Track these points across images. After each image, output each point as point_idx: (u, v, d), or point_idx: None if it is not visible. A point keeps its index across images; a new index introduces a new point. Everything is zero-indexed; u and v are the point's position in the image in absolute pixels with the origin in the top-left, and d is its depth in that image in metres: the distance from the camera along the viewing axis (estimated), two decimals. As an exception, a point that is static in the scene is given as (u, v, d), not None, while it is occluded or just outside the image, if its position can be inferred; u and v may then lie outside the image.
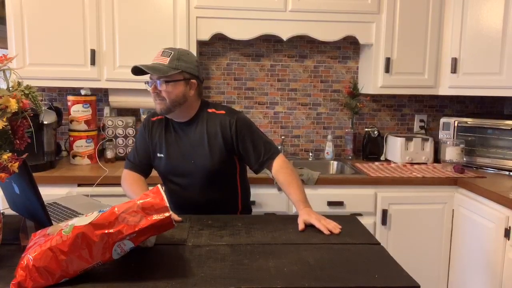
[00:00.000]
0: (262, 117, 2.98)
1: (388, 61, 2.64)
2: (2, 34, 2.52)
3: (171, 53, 1.65)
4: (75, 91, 2.64)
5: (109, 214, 1.09)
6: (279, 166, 1.74)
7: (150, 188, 1.23)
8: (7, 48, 2.46)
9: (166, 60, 1.64)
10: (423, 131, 3.00)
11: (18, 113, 1.16)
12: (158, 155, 1.80)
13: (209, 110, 1.78)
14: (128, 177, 1.85)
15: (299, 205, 1.62)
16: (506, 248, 2.06)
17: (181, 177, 1.78)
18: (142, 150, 1.85)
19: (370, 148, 2.89)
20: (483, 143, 2.64)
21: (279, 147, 2.54)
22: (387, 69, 2.64)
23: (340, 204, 2.40)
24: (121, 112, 2.86)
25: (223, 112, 1.77)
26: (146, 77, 1.68)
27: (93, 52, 2.48)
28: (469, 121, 2.67)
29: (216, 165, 1.73)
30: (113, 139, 2.70)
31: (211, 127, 1.75)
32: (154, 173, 1.89)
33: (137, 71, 1.63)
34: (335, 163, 2.90)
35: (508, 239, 2.05)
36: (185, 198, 1.77)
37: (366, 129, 2.91)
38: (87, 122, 2.57)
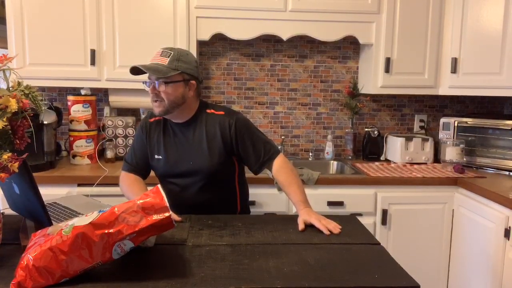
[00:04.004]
0: (262, 117, 2.98)
1: (388, 61, 2.64)
2: (2, 34, 2.52)
3: (171, 53, 1.64)
4: (75, 91, 2.64)
5: (109, 214, 1.09)
6: (279, 166, 1.74)
7: (149, 188, 1.23)
8: (7, 48, 2.46)
9: (165, 61, 1.62)
10: (423, 131, 3.00)
11: (18, 113, 1.16)
12: (156, 156, 1.79)
13: (208, 111, 1.77)
14: (126, 178, 1.83)
15: (299, 205, 1.62)
16: (506, 248, 2.06)
17: (180, 178, 1.77)
18: (140, 152, 1.84)
19: (370, 148, 2.89)
20: (483, 143, 2.64)
21: (279, 147, 2.54)
22: (387, 69, 2.64)
23: (340, 204, 2.40)
24: (121, 112, 2.86)
25: (222, 112, 1.76)
26: (145, 77, 1.67)
27: (93, 52, 2.48)
28: (469, 121, 2.67)
29: (215, 166, 1.73)
30: (113, 139, 2.70)
31: (210, 127, 1.74)
32: (153, 173, 1.89)
33: (136, 70, 1.62)
34: (335, 163, 2.90)
35: (508, 239, 2.05)
36: (183, 199, 1.76)
37: (366, 129, 2.91)
38: (87, 122, 2.56)
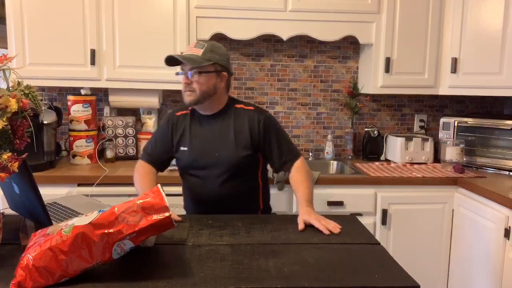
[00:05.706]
0: (262, 117, 2.98)
1: (388, 61, 2.63)
2: (2, 34, 2.52)
3: (204, 45, 1.69)
4: (75, 91, 2.64)
5: (109, 214, 1.09)
6: (298, 166, 1.79)
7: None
8: (7, 48, 2.46)
9: (199, 52, 1.67)
10: (423, 131, 3.00)
11: (18, 113, 1.16)
12: (182, 148, 1.81)
13: (237, 106, 1.82)
14: (142, 168, 1.84)
15: (302, 202, 1.63)
16: (506, 248, 2.06)
17: (203, 169, 1.78)
18: (161, 145, 1.86)
19: (370, 148, 2.89)
20: (483, 143, 2.64)
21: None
22: (387, 69, 2.64)
23: (340, 204, 2.40)
24: (121, 112, 2.85)
25: (252, 108, 1.82)
26: (172, 69, 1.71)
27: (93, 52, 2.47)
28: (469, 121, 2.67)
29: (240, 158, 1.75)
30: (113, 139, 2.70)
31: (239, 121, 1.77)
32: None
33: (170, 60, 1.67)
34: (335, 163, 2.90)
35: (508, 239, 2.05)
36: (205, 192, 1.78)
37: (366, 129, 2.91)
38: (87, 122, 2.56)
